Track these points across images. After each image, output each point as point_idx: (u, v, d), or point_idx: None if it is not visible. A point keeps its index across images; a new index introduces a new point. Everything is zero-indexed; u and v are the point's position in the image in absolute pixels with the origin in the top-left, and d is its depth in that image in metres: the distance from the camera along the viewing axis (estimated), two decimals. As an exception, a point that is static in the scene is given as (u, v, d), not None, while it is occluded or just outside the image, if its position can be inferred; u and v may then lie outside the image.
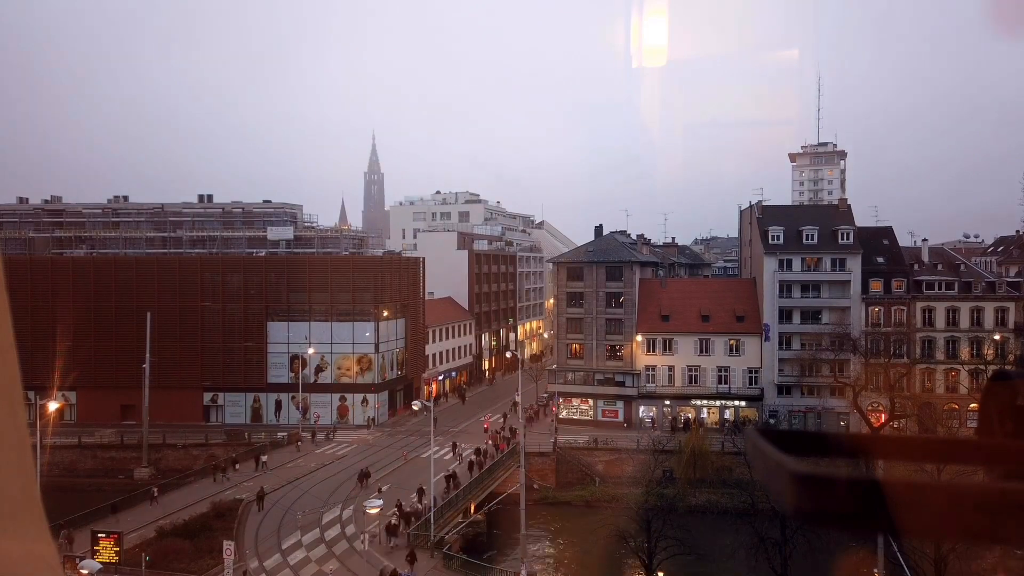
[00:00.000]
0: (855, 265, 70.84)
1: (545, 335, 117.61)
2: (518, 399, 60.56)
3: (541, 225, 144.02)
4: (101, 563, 34.98)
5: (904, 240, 77.06)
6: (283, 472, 57.56)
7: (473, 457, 58.29)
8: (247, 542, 43.90)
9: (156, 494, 51.40)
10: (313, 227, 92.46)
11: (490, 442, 63.24)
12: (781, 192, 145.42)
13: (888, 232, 75.17)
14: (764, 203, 78.59)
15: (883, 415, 64.79)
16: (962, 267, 73.24)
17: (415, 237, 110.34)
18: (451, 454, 60.96)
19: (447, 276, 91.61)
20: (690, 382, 72.35)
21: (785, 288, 71.65)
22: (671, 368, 72.70)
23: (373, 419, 72.85)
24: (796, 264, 72.15)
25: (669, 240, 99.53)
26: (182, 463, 62.12)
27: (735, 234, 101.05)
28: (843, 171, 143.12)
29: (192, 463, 61.45)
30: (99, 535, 38.94)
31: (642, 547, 42.56)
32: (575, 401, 75.76)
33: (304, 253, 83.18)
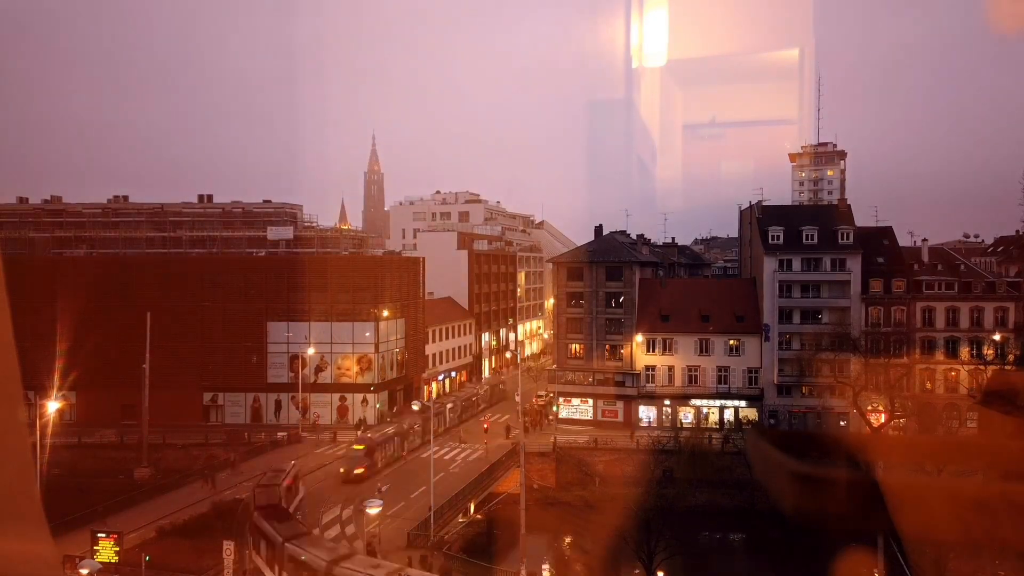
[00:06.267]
0: (855, 265, 70.84)
1: (545, 335, 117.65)
2: (517, 399, 60.60)
3: (541, 225, 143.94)
4: (101, 563, 34.92)
5: (904, 240, 77.05)
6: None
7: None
8: (247, 542, 43.82)
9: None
10: (313, 227, 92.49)
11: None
12: (781, 192, 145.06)
13: (888, 232, 75.14)
14: (764, 203, 78.54)
15: (883, 415, 64.79)
16: (962, 267, 73.26)
17: (415, 237, 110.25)
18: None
19: (447, 276, 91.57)
20: (690, 382, 72.33)
21: (785, 288, 71.66)
22: (671, 368, 72.69)
23: (363, 419, 72.22)
24: (796, 264, 72.13)
25: (669, 240, 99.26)
26: (182, 463, 62.05)
27: (735, 234, 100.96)
28: (843, 171, 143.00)
29: (192, 463, 61.43)
30: (99, 535, 38.84)
31: (642, 547, 42.57)
32: (575, 401, 75.75)
33: (304, 253, 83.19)
